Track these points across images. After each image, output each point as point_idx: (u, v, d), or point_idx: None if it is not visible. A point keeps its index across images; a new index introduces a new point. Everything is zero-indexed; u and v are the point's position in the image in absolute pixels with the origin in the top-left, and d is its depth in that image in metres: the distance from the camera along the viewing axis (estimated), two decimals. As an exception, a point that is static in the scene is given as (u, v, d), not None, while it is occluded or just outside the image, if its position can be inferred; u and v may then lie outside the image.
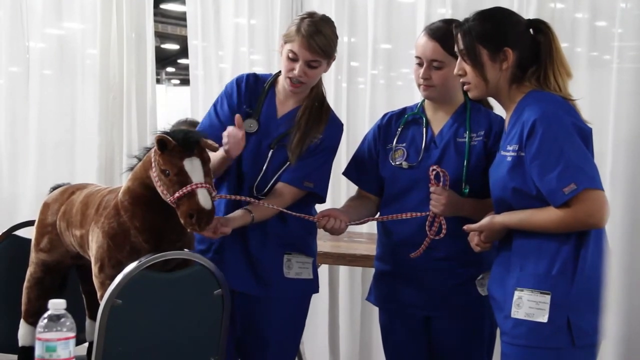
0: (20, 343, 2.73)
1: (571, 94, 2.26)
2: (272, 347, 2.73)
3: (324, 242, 3.24)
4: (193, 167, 2.27)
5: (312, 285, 2.78)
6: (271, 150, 2.66)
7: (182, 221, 2.26)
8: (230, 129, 2.49)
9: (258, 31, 4.23)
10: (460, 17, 2.35)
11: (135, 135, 4.43)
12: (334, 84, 4.00)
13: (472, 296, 2.54)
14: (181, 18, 12.06)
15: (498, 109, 2.49)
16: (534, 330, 2.14)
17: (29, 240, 2.76)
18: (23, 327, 2.72)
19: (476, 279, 2.55)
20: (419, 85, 2.58)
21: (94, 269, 2.43)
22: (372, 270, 2.81)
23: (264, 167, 2.65)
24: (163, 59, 18.47)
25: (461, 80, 2.32)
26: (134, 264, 2.33)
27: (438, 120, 2.63)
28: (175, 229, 2.36)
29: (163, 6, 14.22)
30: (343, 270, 4.02)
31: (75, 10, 4.43)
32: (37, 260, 2.70)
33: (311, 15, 2.61)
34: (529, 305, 2.15)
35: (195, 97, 4.41)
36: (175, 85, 21.29)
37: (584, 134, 2.16)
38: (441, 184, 2.46)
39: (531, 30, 2.28)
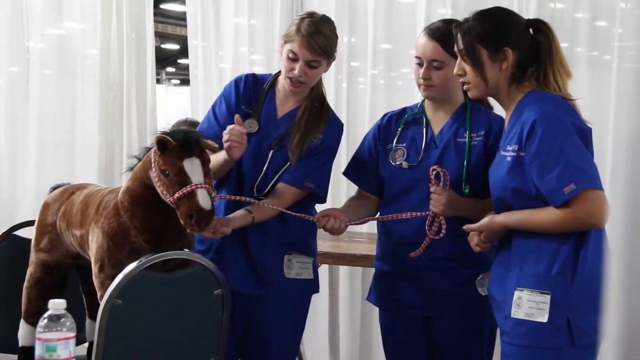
0: (20, 343, 2.73)
1: (571, 93, 2.26)
2: (272, 347, 2.73)
3: (324, 242, 3.24)
4: (193, 168, 2.27)
5: (312, 285, 2.78)
6: (271, 151, 2.66)
7: (181, 222, 2.26)
8: (231, 126, 2.49)
9: (258, 31, 4.23)
10: (460, 17, 2.35)
11: (135, 135, 4.43)
12: (334, 84, 4.00)
13: (472, 296, 2.54)
14: (181, 18, 12.06)
15: (498, 109, 2.49)
16: (534, 330, 2.14)
17: (29, 240, 2.76)
18: (23, 327, 2.72)
19: (476, 279, 2.55)
20: (419, 85, 2.59)
21: (94, 269, 2.43)
22: (372, 270, 2.81)
23: (265, 168, 2.65)
24: (163, 59, 18.48)
25: (461, 80, 2.32)
26: (134, 264, 2.33)
27: (438, 120, 2.63)
28: (175, 229, 2.36)
29: (163, 6, 14.23)
30: (343, 270, 4.02)
31: (75, 10, 4.43)
32: (37, 260, 2.70)
33: (311, 15, 2.61)
34: (529, 305, 2.15)
35: (195, 97, 4.41)
36: (175, 85, 21.30)
37: (584, 134, 2.16)
38: (441, 183, 2.46)
39: (531, 30, 2.28)
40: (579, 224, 2.11)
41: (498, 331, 2.35)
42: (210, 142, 2.34)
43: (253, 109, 2.71)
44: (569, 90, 2.27)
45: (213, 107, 2.75)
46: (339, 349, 4.10)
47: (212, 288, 2.46)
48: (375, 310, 3.11)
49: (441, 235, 2.47)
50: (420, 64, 2.55)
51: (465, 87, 2.32)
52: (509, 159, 2.20)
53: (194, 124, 3.69)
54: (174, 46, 18.04)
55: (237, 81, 2.75)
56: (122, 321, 2.31)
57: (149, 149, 2.41)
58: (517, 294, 2.18)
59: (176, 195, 2.24)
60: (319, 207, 2.76)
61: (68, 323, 1.83)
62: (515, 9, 3.12)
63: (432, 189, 2.47)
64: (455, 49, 2.31)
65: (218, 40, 4.35)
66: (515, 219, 2.21)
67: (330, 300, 4.09)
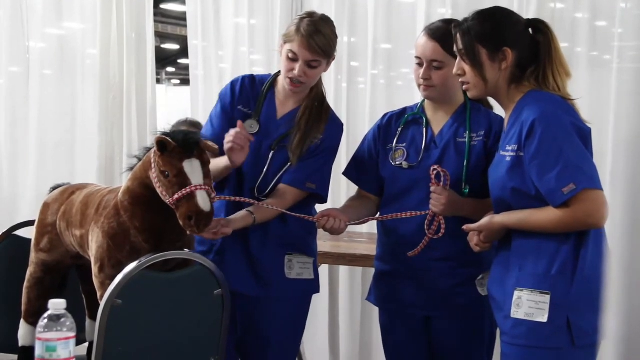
0: (21, 343, 2.73)
1: (570, 93, 2.26)
2: (272, 347, 2.73)
3: (324, 242, 3.24)
4: (192, 169, 2.27)
5: (312, 286, 2.78)
6: (272, 152, 2.66)
7: (181, 223, 2.26)
8: (235, 130, 2.47)
9: (258, 31, 4.23)
10: (460, 17, 2.35)
11: (135, 135, 4.43)
12: (334, 84, 4.00)
13: (472, 296, 2.54)
14: (181, 18, 12.06)
15: (498, 109, 2.49)
16: (534, 330, 2.14)
17: (29, 240, 2.76)
18: (23, 327, 2.72)
19: (476, 279, 2.55)
20: (419, 86, 2.58)
21: (94, 269, 2.43)
22: (372, 270, 2.81)
23: (265, 169, 2.64)
24: (163, 59, 18.48)
25: (460, 80, 2.32)
26: (134, 264, 2.33)
27: (438, 120, 2.63)
28: (175, 229, 2.35)
29: (163, 6, 14.23)
30: (343, 270, 4.02)
31: (75, 10, 4.43)
32: (37, 260, 2.70)
33: (311, 15, 2.61)
34: (529, 305, 2.15)
35: (195, 97, 4.41)
36: (175, 85, 21.30)
37: (583, 134, 2.16)
38: (442, 183, 2.46)
39: (530, 30, 2.28)
40: (578, 224, 2.11)
41: (498, 331, 2.35)
42: (210, 143, 2.34)
43: (252, 110, 2.71)
44: (569, 90, 2.27)
45: (211, 112, 2.76)
46: (339, 349, 4.10)
47: (212, 288, 2.46)
48: (375, 310, 3.11)
49: (440, 235, 2.47)
50: (420, 64, 2.55)
51: (464, 87, 2.32)
52: (508, 159, 2.20)
53: (194, 124, 3.69)
54: (174, 46, 18.05)
55: (233, 83, 2.75)
56: (122, 321, 2.31)
57: (149, 149, 2.41)
58: (516, 294, 2.18)
59: (175, 196, 2.24)
60: (318, 207, 2.77)
61: (68, 323, 1.84)
62: (515, 9, 3.12)
63: (432, 188, 2.47)
64: (455, 48, 2.31)
65: (218, 40, 4.35)
66: (514, 219, 2.21)
67: (330, 300, 4.09)
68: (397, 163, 2.62)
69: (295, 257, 2.72)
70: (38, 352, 1.82)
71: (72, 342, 1.84)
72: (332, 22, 2.63)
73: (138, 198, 2.39)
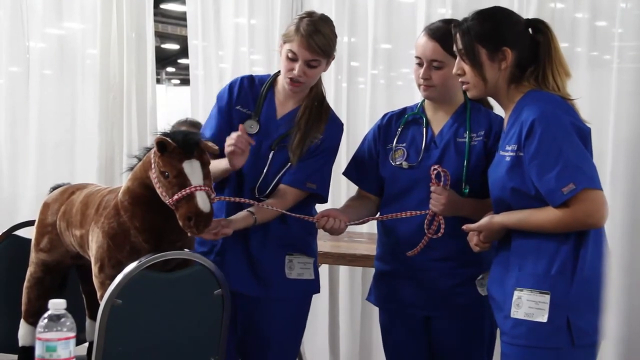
0: (21, 343, 2.73)
1: (570, 93, 2.26)
2: (273, 347, 2.73)
3: (324, 242, 3.24)
4: (192, 170, 2.27)
5: (313, 286, 2.78)
6: (272, 152, 2.66)
7: (180, 223, 2.26)
8: (237, 134, 2.47)
9: (258, 31, 4.23)
10: (460, 17, 2.35)
11: (135, 135, 4.43)
12: (334, 84, 4.00)
13: (472, 296, 2.54)
14: (181, 18, 12.06)
15: (498, 109, 2.49)
16: (534, 330, 2.14)
17: (29, 240, 2.76)
18: (23, 327, 2.72)
19: (476, 279, 2.55)
20: (419, 85, 2.58)
21: (94, 269, 2.43)
22: (372, 270, 2.81)
23: (265, 169, 2.64)
24: (163, 59, 18.49)
25: (460, 79, 2.32)
26: (134, 264, 2.33)
27: (438, 120, 2.63)
28: (175, 229, 2.35)
29: (163, 6, 14.24)
30: (343, 270, 4.02)
31: (75, 10, 4.43)
32: (37, 260, 2.70)
33: (310, 14, 2.61)
34: (529, 305, 2.15)
35: (195, 97, 4.41)
36: (175, 85, 21.30)
37: (583, 134, 2.16)
38: (442, 183, 2.46)
39: (530, 29, 2.28)
40: (578, 223, 2.11)
41: (498, 331, 2.35)
42: (210, 144, 2.34)
43: (252, 110, 2.71)
44: (569, 90, 2.27)
45: (210, 112, 2.77)
46: (339, 349, 4.10)
47: (212, 288, 2.46)
48: (375, 310, 3.11)
49: (440, 234, 2.47)
50: (420, 64, 2.55)
51: (464, 86, 2.32)
52: (508, 159, 2.20)
53: (194, 124, 3.69)
54: (174, 46, 18.05)
55: (231, 84, 2.75)
56: (122, 321, 2.31)
57: (149, 149, 2.41)
58: (516, 294, 2.18)
59: (175, 197, 2.24)
60: (318, 207, 2.77)
61: (68, 323, 1.84)
62: (515, 9, 3.12)
63: (432, 188, 2.47)
64: (454, 48, 2.31)
65: (218, 40, 4.35)
66: (514, 219, 2.21)
67: (330, 300, 4.09)
68: (397, 163, 2.62)
69: (295, 257, 2.72)
70: (38, 352, 1.82)
71: (72, 342, 1.84)
72: (331, 21, 2.63)
73: (138, 198, 2.39)
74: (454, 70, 2.32)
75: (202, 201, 2.24)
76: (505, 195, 2.23)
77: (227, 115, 2.70)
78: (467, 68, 2.27)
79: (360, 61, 4.05)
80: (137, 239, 2.39)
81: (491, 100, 2.57)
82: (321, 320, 4.07)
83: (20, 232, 2.93)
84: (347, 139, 3.73)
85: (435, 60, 2.50)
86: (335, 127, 2.73)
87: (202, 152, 2.31)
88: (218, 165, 2.51)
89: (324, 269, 3.86)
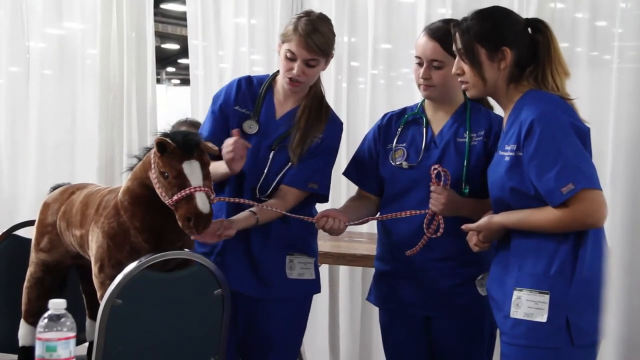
0: (21, 343, 2.73)
1: (569, 93, 2.26)
2: (274, 347, 2.73)
3: (324, 242, 3.24)
4: (192, 170, 2.27)
5: (314, 286, 2.78)
6: (272, 152, 2.66)
7: (180, 224, 2.26)
8: (234, 139, 2.48)
9: (258, 31, 4.23)
10: (460, 17, 2.35)
11: (135, 135, 4.43)
12: (334, 84, 4.00)
13: (472, 296, 2.54)
14: (181, 18, 12.06)
15: (498, 109, 2.49)
16: (533, 330, 2.14)
17: (29, 240, 2.76)
18: (23, 327, 2.72)
19: (476, 279, 2.55)
20: (419, 85, 2.58)
21: (94, 269, 2.43)
22: (372, 270, 2.81)
23: (266, 169, 2.64)
24: (163, 59, 18.48)
25: (459, 79, 2.32)
26: (134, 264, 2.33)
27: (438, 120, 2.63)
28: (175, 229, 2.35)
29: (163, 6, 14.24)
30: (343, 270, 4.02)
31: (75, 10, 4.43)
32: (37, 260, 2.70)
33: (308, 14, 2.61)
34: (528, 305, 2.15)
35: (196, 97, 4.41)
36: (175, 85, 21.30)
37: (582, 134, 2.16)
38: (442, 183, 2.46)
39: (529, 29, 2.28)
40: (577, 223, 2.11)
41: (498, 331, 2.35)
42: (210, 144, 2.33)
43: (251, 110, 2.71)
44: (569, 90, 2.27)
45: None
46: (339, 349, 4.10)
47: (212, 288, 2.46)
48: (375, 310, 3.11)
49: (439, 234, 2.47)
50: (420, 64, 2.55)
51: (463, 86, 2.32)
52: (507, 158, 2.20)
53: (194, 124, 3.69)
54: (174, 46, 18.05)
55: (228, 86, 2.76)
56: (122, 321, 2.31)
57: (149, 149, 2.41)
58: (516, 293, 2.18)
59: (175, 197, 2.24)
60: (318, 207, 2.77)
61: (68, 323, 1.84)
62: (515, 9, 3.12)
63: (432, 188, 2.47)
64: (454, 48, 2.31)
65: (218, 40, 4.35)
66: (513, 218, 2.21)
67: (330, 300, 4.09)
68: (397, 163, 2.62)
69: (296, 257, 2.72)
70: (38, 352, 1.82)
71: (72, 342, 1.84)
72: (329, 20, 2.63)
73: (138, 198, 2.39)
74: (453, 70, 2.32)
75: (202, 202, 2.24)
76: (504, 195, 2.23)
77: (222, 117, 2.70)
78: (466, 68, 2.27)
79: (360, 61, 4.05)
80: (137, 239, 2.39)
81: (491, 101, 2.57)
82: (321, 320, 4.07)
83: (20, 232, 2.93)
84: (347, 139, 3.73)
85: (435, 60, 2.50)
86: (335, 126, 2.73)
87: (202, 152, 2.31)
88: (217, 169, 2.51)
89: (324, 269, 3.86)
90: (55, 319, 1.83)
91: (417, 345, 2.65)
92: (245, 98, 2.72)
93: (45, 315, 1.84)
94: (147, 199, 2.37)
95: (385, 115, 2.74)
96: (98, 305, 2.34)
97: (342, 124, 2.78)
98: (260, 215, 2.57)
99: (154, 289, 2.37)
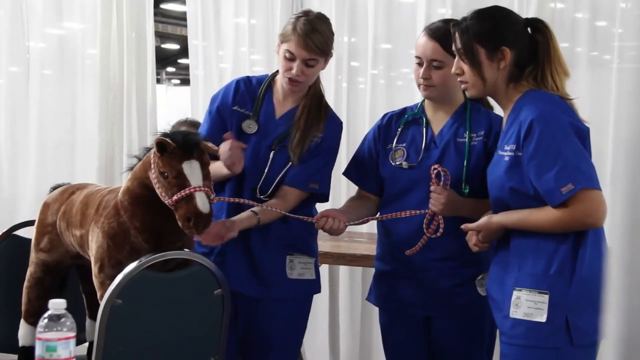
0: (21, 343, 2.73)
1: (568, 93, 2.26)
2: (274, 347, 2.73)
3: (324, 242, 3.24)
4: (192, 170, 2.27)
5: (314, 286, 2.78)
6: (272, 152, 2.66)
7: (179, 224, 2.26)
8: (229, 144, 2.49)
9: (258, 31, 4.23)
10: (460, 17, 2.35)
11: (135, 135, 4.43)
12: (334, 84, 4.00)
13: (472, 296, 2.54)
14: (181, 18, 12.06)
15: (498, 109, 2.49)
16: (533, 330, 2.14)
17: (29, 240, 2.76)
18: (23, 327, 2.72)
19: (476, 279, 2.55)
20: (419, 85, 2.58)
21: (94, 269, 2.43)
22: (372, 270, 2.81)
23: (266, 169, 2.64)
24: (163, 59, 18.48)
25: (459, 79, 2.32)
26: (134, 264, 2.33)
27: (438, 120, 2.63)
28: (175, 229, 2.35)
29: (163, 6, 14.23)
30: (343, 270, 4.02)
31: (75, 10, 4.43)
32: (37, 260, 2.70)
33: (306, 13, 2.61)
34: (528, 305, 2.15)
35: (196, 97, 4.41)
36: (175, 85, 21.30)
37: (581, 133, 2.16)
38: (442, 183, 2.46)
39: (529, 29, 2.28)
40: (576, 223, 2.11)
41: (498, 331, 2.35)
42: (210, 144, 2.33)
43: (250, 110, 2.70)
44: (569, 90, 2.27)
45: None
46: (339, 349, 4.10)
47: (212, 288, 2.46)
48: (375, 310, 3.11)
49: (439, 234, 2.47)
50: (420, 64, 2.55)
51: (463, 86, 2.32)
52: (506, 158, 2.20)
53: (194, 124, 3.69)
54: (174, 46, 18.04)
55: (227, 87, 2.76)
56: (122, 321, 2.31)
57: (149, 149, 2.41)
58: (515, 293, 2.18)
59: (174, 197, 2.24)
60: (318, 207, 2.77)
61: (68, 323, 1.84)
62: (515, 9, 3.12)
63: (432, 187, 2.47)
64: (453, 47, 2.30)
65: (218, 40, 4.35)
66: (513, 218, 2.21)
67: (330, 300, 4.09)
68: (397, 163, 2.62)
69: (296, 257, 2.72)
70: (38, 352, 1.82)
71: (72, 342, 1.84)
72: (328, 19, 2.63)
73: (138, 198, 2.39)
74: (453, 70, 2.32)
75: (202, 202, 2.24)
76: (503, 195, 2.22)
77: (219, 119, 2.70)
78: (465, 67, 2.27)
79: (360, 61, 4.05)
80: (137, 239, 2.39)
81: (491, 101, 2.57)
82: (321, 320, 4.07)
83: (20, 232, 2.93)
84: (347, 139, 3.73)
85: (435, 60, 2.50)
86: (334, 125, 2.73)
87: (202, 152, 2.31)
88: (218, 171, 2.52)
89: (324, 269, 3.85)
90: (55, 319, 1.83)
91: (417, 345, 2.65)
92: (244, 98, 2.72)
93: (45, 315, 1.84)
94: (147, 199, 2.37)
95: (385, 115, 2.74)
96: (98, 305, 2.34)
97: (341, 123, 2.78)
98: (261, 215, 2.57)
99: (154, 289, 2.37)
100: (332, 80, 3.96)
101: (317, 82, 2.71)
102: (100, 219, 2.44)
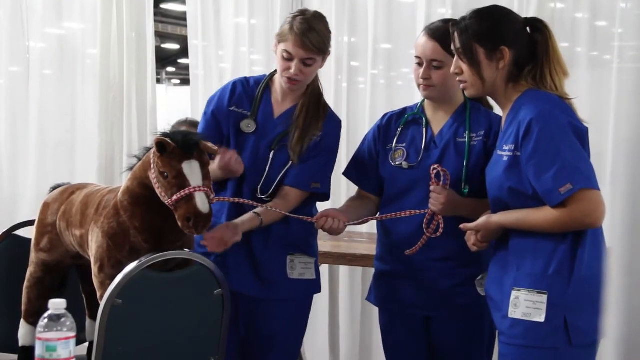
0: (21, 343, 2.73)
1: (567, 92, 2.26)
2: (275, 347, 2.74)
3: (324, 242, 3.24)
4: (192, 170, 2.27)
5: (314, 286, 2.78)
6: (272, 152, 2.66)
7: (179, 224, 2.26)
8: (226, 156, 2.52)
9: (258, 31, 4.23)
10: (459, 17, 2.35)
11: (135, 135, 4.43)
12: (334, 84, 4.00)
13: (472, 296, 2.54)
14: (181, 18, 12.06)
15: (498, 109, 2.49)
16: (531, 330, 2.14)
17: (29, 240, 2.76)
18: (23, 327, 2.72)
19: (476, 279, 2.55)
20: (418, 85, 2.59)
21: (94, 269, 2.43)
22: (372, 270, 2.81)
23: (267, 169, 2.64)
24: (163, 59, 18.48)
25: (458, 79, 2.32)
26: (134, 264, 2.33)
27: (438, 120, 2.63)
28: (175, 229, 2.35)
29: (163, 6, 14.24)
30: (343, 270, 4.02)
31: (75, 10, 4.43)
32: (37, 260, 2.70)
33: (303, 12, 2.61)
34: (526, 305, 2.15)
35: (196, 97, 4.41)
36: (175, 85, 21.29)
37: (580, 133, 2.16)
38: (442, 183, 2.46)
39: (528, 28, 2.28)
40: (575, 223, 2.10)
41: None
42: (210, 144, 2.33)
43: (248, 110, 2.70)
44: (569, 90, 2.27)
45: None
46: (339, 349, 4.10)
47: (212, 288, 2.46)
48: (375, 310, 3.11)
49: (438, 234, 2.47)
50: (420, 64, 2.55)
51: (462, 85, 2.32)
52: (505, 158, 2.20)
53: (194, 124, 3.69)
54: (174, 46, 18.04)
55: (224, 89, 2.76)
56: (122, 321, 2.31)
57: (149, 149, 2.41)
58: (514, 293, 2.18)
59: (174, 197, 2.24)
60: (319, 207, 2.77)
61: (68, 323, 1.84)
62: (515, 8, 3.12)
63: (432, 187, 2.47)
64: (452, 47, 2.30)
65: (218, 40, 4.35)
66: (511, 218, 2.21)
67: (330, 300, 4.09)
68: (397, 163, 2.62)
69: (297, 257, 2.72)
70: (38, 352, 1.83)
71: (72, 342, 1.85)
72: (324, 18, 2.63)
73: (138, 198, 2.39)
74: (452, 69, 2.32)
75: (201, 202, 2.24)
76: (502, 194, 2.22)
77: (214, 121, 2.70)
78: (464, 67, 2.27)
79: (360, 61, 4.05)
80: (137, 239, 2.39)
81: (491, 100, 2.57)
82: (321, 320, 4.07)
83: (20, 232, 2.93)
84: (347, 139, 3.74)
85: (435, 60, 2.50)
86: (333, 124, 2.73)
87: (202, 152, 2.31)
88: (218, 173, 2.53)
89: (324, 269, 3.85)
90: (55, 319, 1.83)
91: (417, 345, 2.65)
92: (241, 99, 2.72)
93: (45, 315, 1.84)
94: (147, 199, 2.37)
95: (385, 115, 2.74)
96: (98, 305, 2.34)
97: (340, 121, 2.78)
98: (264, 217, 2.57)
99: (154, 289, 2.37)
100: (332, 80, 3.96)
101: (316, 80, 2.71)
102: (100, 218, 2.44)
